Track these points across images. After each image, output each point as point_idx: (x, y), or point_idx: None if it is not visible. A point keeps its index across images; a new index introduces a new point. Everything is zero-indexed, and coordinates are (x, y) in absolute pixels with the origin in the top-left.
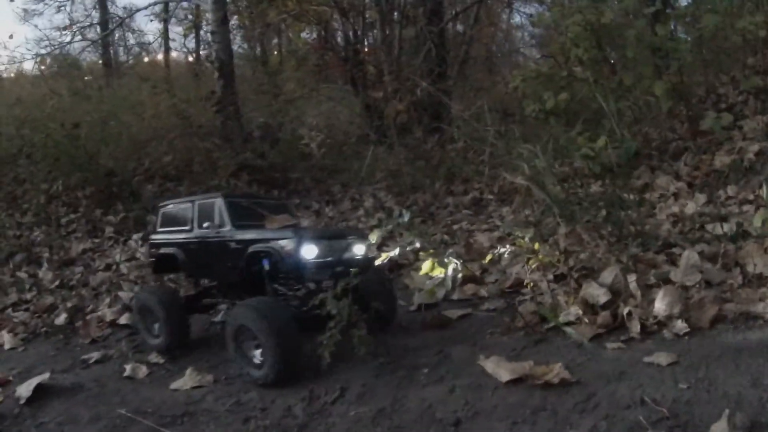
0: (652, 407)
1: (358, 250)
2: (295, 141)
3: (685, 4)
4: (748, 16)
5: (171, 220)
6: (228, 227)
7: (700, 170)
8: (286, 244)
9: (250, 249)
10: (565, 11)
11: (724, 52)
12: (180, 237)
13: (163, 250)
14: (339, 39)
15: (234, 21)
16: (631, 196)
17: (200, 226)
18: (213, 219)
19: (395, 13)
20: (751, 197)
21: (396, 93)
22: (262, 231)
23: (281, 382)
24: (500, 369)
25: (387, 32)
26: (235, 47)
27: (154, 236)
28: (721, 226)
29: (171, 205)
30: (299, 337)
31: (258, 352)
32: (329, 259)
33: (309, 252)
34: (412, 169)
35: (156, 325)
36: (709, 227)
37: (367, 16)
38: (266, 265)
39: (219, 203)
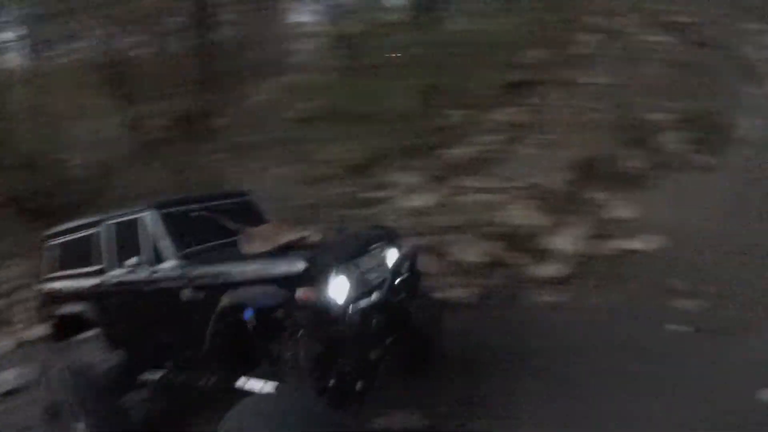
0: None
1: (391, 256)
2: (58, 164)
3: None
4: (501, 18)
5: (69, 259)
6: (172, 261)
7: (439, 163)
8: (300, 283)
9: (224, 301)
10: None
11: (475, 51)
12: (87, 285)
13: (64, 309)
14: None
15: None
16: (367, 195)
17: (120, 264)
18: (141, 250)
19: (162, 24)
20: (488, 186)
21: (160, 106)
22: (239, 264)
23: None
24: None
25: (153, 43)
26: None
27: (44, 286)
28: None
29: (64, 235)
30: None
31: None
32: (363, 290)
33: (338, 290)
34: (173, 184)
35: (78, 425)
36: (440, 220)
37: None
38: (250, 320)
39: (149, 220)
